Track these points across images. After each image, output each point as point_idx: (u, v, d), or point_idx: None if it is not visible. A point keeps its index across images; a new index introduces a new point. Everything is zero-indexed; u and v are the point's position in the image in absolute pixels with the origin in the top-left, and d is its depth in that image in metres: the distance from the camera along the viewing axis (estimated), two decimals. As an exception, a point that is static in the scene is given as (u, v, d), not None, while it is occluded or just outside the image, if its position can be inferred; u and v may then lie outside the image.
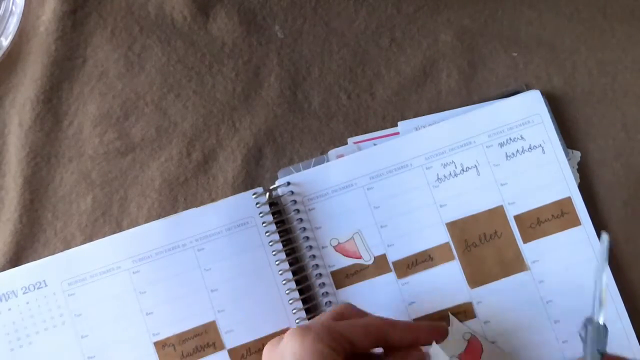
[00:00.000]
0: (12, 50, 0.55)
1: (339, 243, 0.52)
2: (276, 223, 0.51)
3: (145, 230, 0.51)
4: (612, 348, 0.50)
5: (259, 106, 0.55)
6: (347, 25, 0.56)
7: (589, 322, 0.41)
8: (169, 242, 0.51)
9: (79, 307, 0.50)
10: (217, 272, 0.51)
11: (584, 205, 0.51)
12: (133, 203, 0.53)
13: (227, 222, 0.51)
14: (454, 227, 0.52)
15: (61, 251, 0.52)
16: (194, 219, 0.51)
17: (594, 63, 0.54)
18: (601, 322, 0.41)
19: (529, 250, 0.51)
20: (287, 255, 0.51)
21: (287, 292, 0.50)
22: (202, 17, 0.56)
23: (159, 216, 0.53)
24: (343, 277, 0.51)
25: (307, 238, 0.51)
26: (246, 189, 0.53)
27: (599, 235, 0.51)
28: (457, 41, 0.55)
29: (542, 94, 0.53)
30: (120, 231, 0.52)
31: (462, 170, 0.52)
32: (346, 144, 0.54)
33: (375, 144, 0.53)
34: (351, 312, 0.44)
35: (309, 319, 0.50)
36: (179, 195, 0.53)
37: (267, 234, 0.51)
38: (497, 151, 0.52)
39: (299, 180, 0.52)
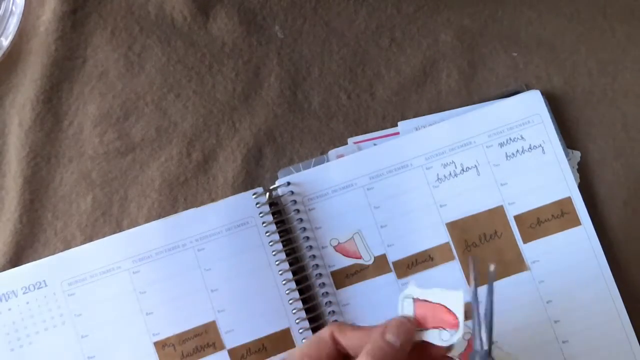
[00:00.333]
0: (12, 50, 0.55)
1: (339, 243, 0.52)
2: (276, 223, 0.51)
3: (145, 230, 0.51)
4: (612, 347, 0.50)
5: (259, 106, 0.55)
6: (347, 25, 0.56)
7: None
8: (169, 242, 0.51)
9: (79, 307, 0.50)
10: (217, 272, 0.51)
11: (584, 205, 0.51)
12: (133, 203, 0.53)
13: (227, 222, 0.51)
14: (454, 227, 0.52)
15: (61, 251, 0.52)
16: (194, 219, 0.51)
17: (594, 63, 0.55)
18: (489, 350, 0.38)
19: (529, 250, 0.51)
20: (287, 255, 0.51)
21: (287, 292, 0.50)
22: (202, 17, 0.56)
23: (159, 216, 0.53)
24: (343, 277, 0.51)
25: (307, 238, 0.51)
26: (246, 189, 0.53)
27: (599, 235, 0.51)
28: (457, 41, 0.55)
29: (542, 94, 0.53)
30: (120, 231, 0.52)
31: (462, 170, 0.52)
32: (346, 144, 0.54)
33: (375, 144, 0.53)
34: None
35: (309, 319, 0.50)
36: (179, 195, 0.53)
37: (267, 234, 0.51)
38: (497, 151, 0.52)
39: (299, 180, 0.52)
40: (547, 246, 0.51)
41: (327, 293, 0.51)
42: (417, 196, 0.52)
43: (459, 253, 0.51)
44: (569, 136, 0.53)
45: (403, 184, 0.52)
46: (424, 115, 0.54)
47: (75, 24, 0.55)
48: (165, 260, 0.51)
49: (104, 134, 0.54)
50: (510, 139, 0.52)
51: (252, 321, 0.50)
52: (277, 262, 0.51)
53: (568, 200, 0.52)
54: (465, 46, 0.55)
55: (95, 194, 0.53)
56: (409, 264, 0.51)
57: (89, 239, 0.52)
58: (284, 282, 0.51)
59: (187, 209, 0.52)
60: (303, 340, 0.50)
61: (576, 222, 0.51)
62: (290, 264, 0.51)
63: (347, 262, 0.51)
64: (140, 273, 0.51)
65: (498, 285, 0.51)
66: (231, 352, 0.50)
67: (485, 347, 0.37)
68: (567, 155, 0.52)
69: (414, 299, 0.39)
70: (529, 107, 0.53)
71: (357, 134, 0.54)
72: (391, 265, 0.51)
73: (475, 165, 0.52)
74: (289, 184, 0.52)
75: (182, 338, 0.50)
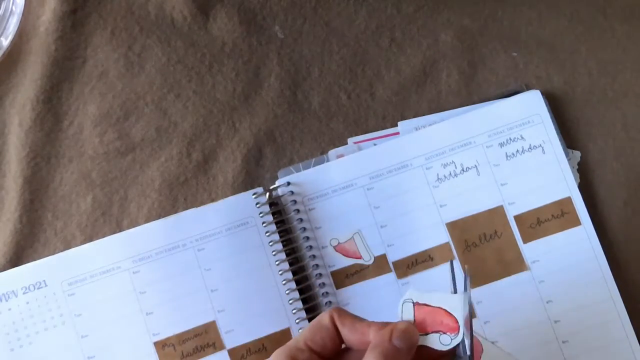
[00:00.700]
0: (12, 50, 0.55)
1: (339, 243, 0.52)
2: (276, 223, 0.51)
3: (145, 230, 0.51)
4: (612, 347, 0.50)
5: (259, 106, 0.55)
6: (347, 25, 0.56)
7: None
8: (169, 242, 0.51)
9: (79, 307, 0.50)
10: (217, 272, 0.51)
11: (584, 205, 0.51)
12: (133, 203, 0.53)
13: (227, 222, 0.51)
14: (454, 227, 0.52)
15: (61, 251, 0.52)
16: (194, 219, 0.51)
17: (594, 63, 0.54)
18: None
19: (529, 250, 0.51)
20: (287, 255, 0.51)
21: (287, 292, 0.50)
22: (202, 17, 0.56)
23: (159, 216, 0.53)
24: (343, 277, 0.51)
25: (307, 238, 0.51)
26: (246, 189, 0.53)
27: (599, 235, 0.51)
28: (457, 41, 0.55)
29: (542, 94, 0.53)
30: (120, 231, 0.52)
31: (462, 170, 0.52)
32: (346, 144, 0.54)
33: (375, 144, 0.53)
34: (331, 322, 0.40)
35: (309, 319, 0.50)
36: (179, 195, 0.53)
37: (267, 234, 0.51)
38: (497, 151, 0.52)
39: (299, 180, 0.52)
40: (547, 246, 0.51)
41: (327, 293, 0.51)
42: (417, 196, 0.52)
43: (459, 253, 0.51)
44: (569, 136, 0.53)
45: (403, 184, 0.52)
46: (424, 115, 0.54)
47: (75, 24, 0.55)
48: (165, 260, 0.51)
49: (104, 134, 0.54)
50: (510, 139, 0.52)
51: (252, 321, 0.50)
52: (277, 262, 0.51)
53: (568, 200, 0.52)
54: (465, 46, 0.55)
55: (95, 194, 0.53)
56: (409, 264, 0.51)
57: (89, 239, 0.52)
58: (284, 282, 0.51)
59: (187, 209, 0.52)
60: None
61: (576, 222, 0.51)
62: (290, 264, 0.51)
63: (347, 262, 0.51)
64: (140, 273, 0.51)
65: (498, 285, 0.51)
66: (231, 352, 0.50)
67: (468, 352, 0.37)
68: (567, 155, 0.52)
69: (413, 302, 0.39)
70: (529, 107, 0.53)
71: (357, 134, 0.54)
72: (391, 265, 0.51)
73: (475, 165, 0.52)
74: (289, 184, 0.52)
75: (182, 338, 0.50)
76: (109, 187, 0.54)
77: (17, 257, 0.52)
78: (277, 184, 0.52)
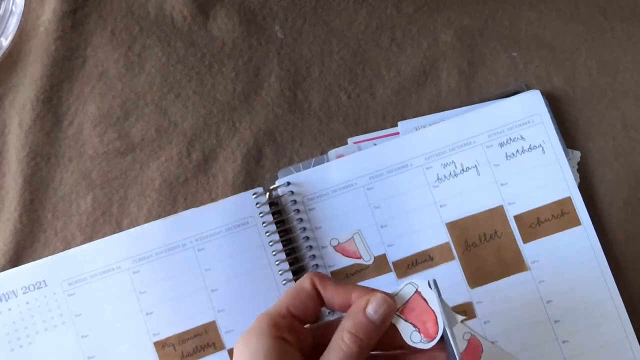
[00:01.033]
0: (12, 50, 0.55)
1: (339, 243, 0.52)
2: (276, 223, 0.51)
3: (145, 230, 0.51)
4: (612, 347, 0.50)
5: (259, 106, 0.55)
6: (347, 25, 0.56)
7: None
8: (169, 242, 0.51)
9: (79, 307, 0.50)
10: (217, 272, 0.51)
11: (584, 205, 0.51)
12: (133, 203, 0.53)
13: (227, 222, 0.51)
14: (454, 227, 0.52)
15: (61, 251, 0.52)
16: (194, 219, 0.51)
17: (594, 63, 0.55)
18: None
19: (529, 250, 0.51)
20: (287, 255, 0.51)
21: (287, 292, 0.50)
22: (202, 17, 0.56)
23: (159, 216, 0.53)
24: (343, 277, 0.51)
25: (307, 238, 0.51)
26: (246, 189, 0.53)
27: (599, 235, 0.51)
28: (457, 41, 0.55)
29: (542, 94, 0.53)
30: (120, 231, 0.52)
31: (462, 170, 0.52)
32: (346, 144, 0.54)
33: (375, 144, 0.53)
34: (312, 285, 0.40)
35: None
36: (179, 195, 0.53)
37: (267, 234, 0.51)
38: (497, 151, 0.52)
39: (299, 180, 0.52)
40: (547, 246, 0.51)
41: (327, 293, 0.51)
42: (417, 196, 0.52)
43: (459, 253, 0.51)
44: (569, 136, 0.53)
45: (403, 184, 0.52)
46: (424, 115, 0.54)
47: (75, 24, 0.55)
48: (165, 260, 0.51)
49: (104, 134, 0.54)
50: (510, 139, 0.52)
51: (251, 321, 0.50)
52: (277, 262, 0.51)
53: (568, 200, 0.52)
54: (465, 46, 0.55)
55: (95, 194, 0.53)
56: (409, 264, 0.51)
57: (89, 239, 0.52)
58: (284, 282, 0.51)
59: (187, 209, 0.52)
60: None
61: (576, 222, 0.51)
62: (290, 264, 0.51)
63: (347, 262, 0.51)
64: (140, 273, 0.51)
65: (498, 285, 0.51)
66: (231, 352, 0.50)
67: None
68: (567, 155, 0.52)
69: (417, 289, 0.40)
70: (529, 107, 0.53)
71: (357, 134, 0.54)
72: (391, 265, 0.51)
73: (475, 165, 0.52)
74: (289, 184, 0.52)
75: (182, 338, 0.50)
76: (109, 187, 0.54)
77: (17, 257, 0.52)
78: (277, 184, 0.52)
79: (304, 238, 0.51)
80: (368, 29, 0.56)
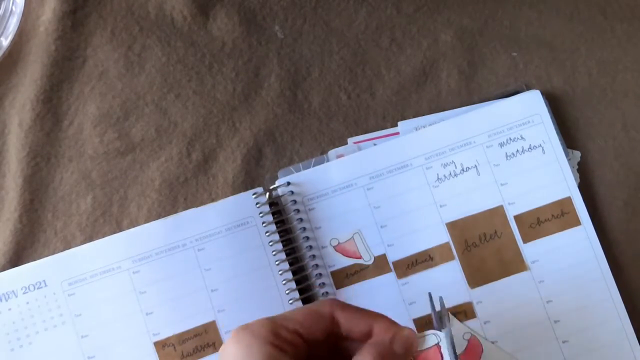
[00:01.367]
0: (12, 50, 0.55)
1: (339, 243, 0.52)
2: (276, 223, 0.51)
3: (145, 230, 0.51)
4: (612, 347, 0.50)
5: (259, 106, 0.55)
6: (347, 25, 0.56)
7: None
8: (169, 242, 0.51)
9: (79, 307, 0.50)
10: (217, 272, 0.51)
11: (584, 205, 0.51)
12: (133, 203, 0.53)
13: (227, 222, 0.51)
14: (454, 227, 0.52)
15: (61, 251, 0.52)
16: (194, 219, 0.51)
17: (594, 63, 0.55)
18: None
19: (529, 250, 0.51)
20: (287, 255, 0.51)
21: (287, 292, 0.50)
22: (202, 17, 0.56)
23: (159, 216, 0.53)
24: (343, 277, 0.51)
25: (307, 238, 0.51)
26: (246, 189, 0.53)
27: (599, 235, 0.51)
28: (457, 41, 0.55)
29: (542, 94, 0.53)
30: (120, 231, 0.52)
31: (462, 170, 0.52)
32: (346, 144, 0.54)
33: (375, 144, 0.53)
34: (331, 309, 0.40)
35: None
36: (179, 195, 0.53)
37: (267, 234, 0.51)
38: (497, 151, 0.52)
39: (299, 180, 0.52)
40: (547, 246, 0.51)
41: (327, 293, 0.51)
42: (417, 196, 0.52)
43: (459, 253, 0.51)
44: (569, 136, 0.53)
45: (403, 184, 0.52)
46: (424, 115, 0.54)
47: (75, 24, 0.55)
48: (165, 260, 0.51)
49: (104, 134, 0.54)
50: (510, 139, 0.52)
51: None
52: (277, 262, 0.51)
53: (568, 200, 0.52)
54: (465, 46, 0.55)
55: (95, 194, 0.53)
56: (409, 264, 0.51)
57: (89, 239, 0.53)
58: (284, 282, 0.51)
59: (187, 209, 0.52)
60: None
61: (576, 222, 0.51)
62: (290, 264, 0.51)
63: (347, 262, 0.51)
64: (140, 273, 0.51)
65: (498, 285, 0.51)
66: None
67: None
68: (567, 155, 0.52)
69: (438, 343, 0.41)
70: (529, 107, 0.53)
71: (357, 134, 0.54)
72: (391, 265, 0.51)
73: (475, 165, 0.52)
74: (289, 184, 0.52)
75: (182, 338, 0.50)
76: (109, 187, 0.54)
77: (17, 257, 0.52)
78: (277, 184, 0.52)
79: (304, 238, 0.51)
80: (368, 29, 0.56)
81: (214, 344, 0.50)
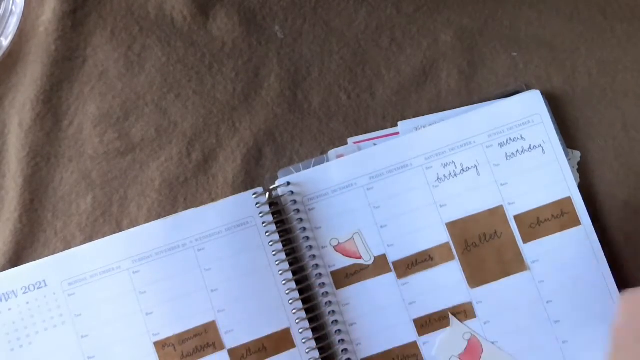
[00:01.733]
0: (12, 50, 0.55)
1: (339, 243, 0.52)
2: (276, 223, 0.51)
3: (145, 230, 0.51)
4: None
5: (259, 106, 0.55)
6: (347, 25, 0.56)
7: None
8: (169, 242, 0.51)
9: (79, 307, 0.50)
10: (217, 272, 0.51)
11: (584, 205, 0.51)
12: (133, 203, 0.53)
13: (227, 222, 0.51)
14: (454, 227, 0.52)
15: (61, 251, 0.52)
16: (194, 219, 0.51)
17: (594, 63, 0.55)
18: None
19: (529, 250, 0.51)
20: (287, 255, 0.51)
21: (287, 292, 0.50)
22: (202, 17, 0.56)
23: (159, 216, 0.53)
24: (343, 277, 0.51)
25: (307, 238, 0.51)
26: (246, 189, 0.53)
27: (599, 235, 0.51)
28: (457, 41, 0.55)
29: (542, 94, 0.53)
30: (120, 231, 0.52)
31: (462, 170, 0.52)
32: (346, 144, 0.54)
33: (375, 144, 0.53)
34: None
35: (309, 319, 0.50)
36: (179, 195, 0.53)
37: (267, 234, 0.51)
38: (497, 151, 0.52)
39: (299, 180, 0.52)
40: (547, 246, 0.51)
41: (327, 293, 0.51)
42: (417, 196, 0.52)
43: (459, 253, 0.51)
44: (569, 136, 0.53)
45: (403, 184, 0.52)
46: (424, 115, 0.54)
47: (75, 24, 0.55)
48: (165, 260, 0.51)
49: (104, 134, 0.54)
50: (510, 139, 0.52)
51: (252, 321, 0.50)
52: (277, 262, 0.51)
53: (568, 200, 0.52)
54: (465, 46, 0.55)
55: (95, 194, 0.53)
56: (409, 264, 0.51)
57: (89, 239, 0.53)
58: (284, 282, 0.51)
59: (187, 209, 0.52)
60: (303, 341, 0.50)
61: (576, 222, 0.51)
62: (290, 264, 0.51)
63: (347, 262, 0.51)
64: (140, 273, 0.51)
65: (498, 285, 0.51)
66: (231, 352, 0.50)
67: None
68: (567, 155, 0.52)
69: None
70: (529, 107, 0.53)
71: (357, 134, 0.54)
72: (391, 265, 0.51)
73: (475, 165, 0.52)
74: (289, 184, 0.52)
75: (182, 338, 0.50)
76: (109, 187, 0.54)
77: (17, 257, 0.52)
78: (277, 184, 0.52)
79: (304, 238, 0.51)
80: (368, 29, 0.56)
81: (214, 344, 0.50)
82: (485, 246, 0.51)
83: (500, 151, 0.52)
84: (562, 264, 0.51)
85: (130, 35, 0.55)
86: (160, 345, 0.50)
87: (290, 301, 0.50)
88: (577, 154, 0.53)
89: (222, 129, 0.54)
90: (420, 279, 0.51)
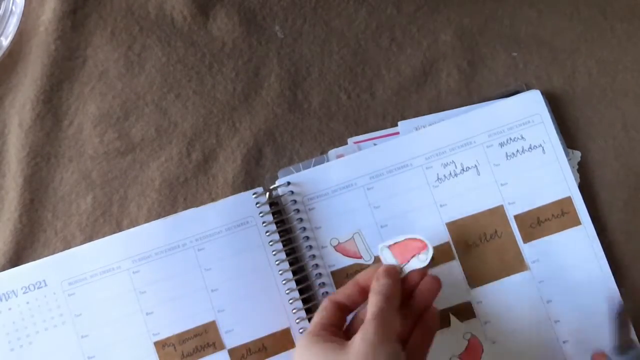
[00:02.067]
0: (12, 50, 0.55)
1: (339, 243, 0.52)
2: (276, 223, 0.51)
3: (145, 230, 0.51)
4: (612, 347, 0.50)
5: (259, 106, 0.55)
6: (347, 25, 0.56)
7: None
8: (169, 242, 0.51)
9: (79, 307, 0.50)
10: (217, 272, 0.51)
11: (584, 205, 0.51)
12: (133, 203, 0.53)
13: (227, 222, 0.51)
14: (454, 227, 0.52)
15: (61, 251, 0.52)
16: (194, 219, 0.51)
17: (594, 63, 0.55)
18: None
19: (529, 250, 0.51)
20: (287, 255, 0.51)
21: (287, 292, 0.50)
22: (202, 17, 0.56)
23: (159, 216, 0.53)
24: (343, 277, 0.51)
25: (307, 238, 0.51)
26: (246, 189, 0.53)
27: (599, 235, 0.51)
28: (457, 41, 0.55)
29: (542, 94, 0.53)
30: (120, 231, 0.52)
31: (462, 170, 0.52)
32: (346, 144, 0.54)
33: (375, 144, 0.53)
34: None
35: (309, 319, 0.50)
36: (179, 195, 0.53)
37: (267, 234, 0.51)
38: (497, 151, 0.52)
39: (299, 180, 0.52)
40: (547, 246, 0.51)
41: (327, 293, 0.51)
42: (417, 196, 0.52)
43: (459, 253, 0.51)
44: (569, 136, 0.53)
45: (403, 183, 0.52)
46: (424, 115, 0.54)
47: (75, 24, 0.55)
48: (165, 260, 0.51)
49: (104, 134, 0.54)
50: (510, 139, 0.52)
51: (252, 321, 0.50)
52: (277, 262, 0.51)
53: (568, 200, 0.52)
54: (465, 46, 0.55)
55: (95, 194, 0.53)
56: (409, 263, 0.51)
57: (89, 239, 0.53)
58: (284, 282, 0.51)
59: (187, 209, 0.52)
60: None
61: (576, 222, 0.51)
62: (290, 264, 0.51)
63: (347, 261, 0.51)
64: (140, 273, 0.51)
65: (498, 285, 0.51)
66: (231, 352, 0.50)
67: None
68: (567, 155, 0.52)
69: (388, 246, 0.47)
70: (529, 107, 0.53)
71: (357, 134, 0.54)
72: (391, 265, 0.51)
73: (476, 165, 0.52)
74: (289, 183, 0.52)
75: (182, 338, 0.50)
76: (109, 187, 0.54)
77: (17, 257, 0.52)
78: (277, 183, 0.52)
79: (304, 238, 0.51)
80: (368, 29, 0.56)
81: (214, 344, 0.50)
82: (485, 246, 0.51)
83: (501, 151, 0.52)
84: (562, 264, 0.51)
85: (130, 35, 0.55)
86: (160, 345, 0.50)
87: (290, 301, 0.50)
88: (577, 153, 0.53)
89: (222, 129, 0.54)
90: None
